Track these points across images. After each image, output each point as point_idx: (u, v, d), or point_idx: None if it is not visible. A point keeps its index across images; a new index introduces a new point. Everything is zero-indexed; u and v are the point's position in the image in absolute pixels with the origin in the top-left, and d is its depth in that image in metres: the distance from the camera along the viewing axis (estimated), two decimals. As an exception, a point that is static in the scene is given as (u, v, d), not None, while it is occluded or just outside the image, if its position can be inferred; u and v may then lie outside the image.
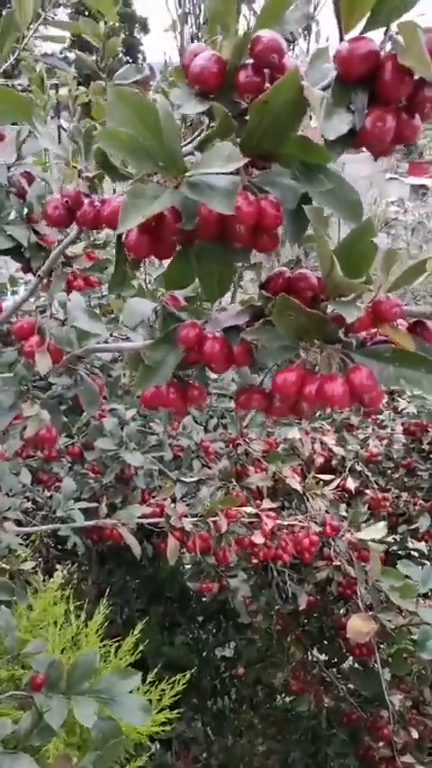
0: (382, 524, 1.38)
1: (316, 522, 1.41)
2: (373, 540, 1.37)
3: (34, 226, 0.82)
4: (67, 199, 0.53)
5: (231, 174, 0.43)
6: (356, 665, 1.71)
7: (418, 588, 1.34)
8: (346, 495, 1.70)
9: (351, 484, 1.67)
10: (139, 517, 1.25)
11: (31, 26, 0.85)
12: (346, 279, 0.48)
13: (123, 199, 0.41)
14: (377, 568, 1.28)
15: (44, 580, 1.50)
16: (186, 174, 0.44)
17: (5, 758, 0.67)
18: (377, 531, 1.38)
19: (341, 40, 0.44)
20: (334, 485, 1.57)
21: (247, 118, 0.45)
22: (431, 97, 0.42)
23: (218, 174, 0.42)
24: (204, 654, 2.07)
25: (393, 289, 0.58)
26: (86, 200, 0.53)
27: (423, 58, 0.38)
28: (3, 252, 0.80)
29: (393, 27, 0.44)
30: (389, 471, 1.90)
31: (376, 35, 0.45)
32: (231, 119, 0.44)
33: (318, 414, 1.88)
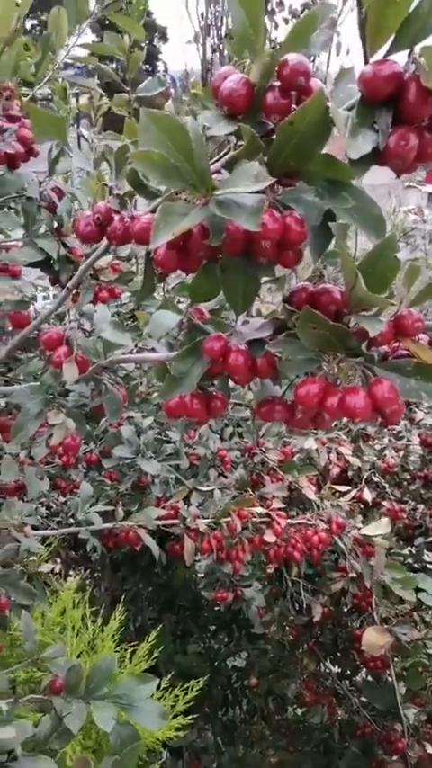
0: (385, 520, 1.41)
1: (323, 520, 1.43)
2: (378, 536, 1.39)
3: (63, 239, 0.84)
4: (98, 215, 0.55)
5: (259, 192, 0.45)
6: (369, 678, 1.70)
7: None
8: (363, 507, 1.70)
9: (367, 495, 1.67)
10: (155, 519, 1.26)
11: (66, 46, 0.87)
12: (369, 293, 0.49)
13: (155, 216, 0.42)
14: (382, 562, 1.30)
15: (61, 584, 1.52)
16: (215, 192, 0.45)
17: (26, 760, 0.68)
18: (381, 526, 1.40)
19: (366, 62, 0.45)
20: (350, 495, 1.57)
21: (274, 138, 0.47)
22: (454, 118, 0.43)
23: (246, 192, 0.43)
24: (216, 663, 2.07)
25: (415, 304, 0.59)
26: (117, 217, 0.55)
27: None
28: (33, 264, 0.82)
29: (417, 49, 0.45)
30: (405, 483, 1.90)
31: (400, 57, 0.46)
32: (259, 139, 0.45)
33: (334, 424, 1.89)
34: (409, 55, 0.45)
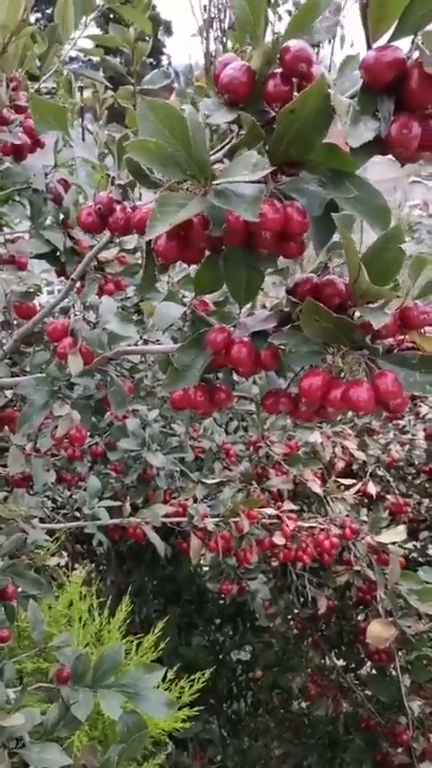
0: (401, 527, 1.38)
1: (336, 525, 1.41)
2: (393, 544, 1.37)
3: (70, 231, 0.84)
4: (99, 205, 0.55)
5: (258, 182, 0.44)
6: (374, 671, 1.70)
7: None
8: (367, 500, 1.69)
9: (372, 489, 1.66)
10: (161, 516, 1.26)
11: (72, 37, 0.87)
12: (373, 285, 0.49)
13: (152, 207, 0.42)
14: (396, 571, 1.27)
15: (68, 576, 1.53)
16: (214, 182, 0.45)
17: (35, 747, 0.69)
18: (397, 534, 1.37)
19: (368, 48, 0.45)
20: (355, 489, 1.57)
21: (275, 126, 0.46)
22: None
23: (244, 182, 0.43)
24: (221, 656, 2.08)
25: (421, 296, 0.59)
26: (118, 207, 0.55)
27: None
28: (39, 256, 0.82)
29: (420, 36, 0.44)
30: (410, 477, 1.89)
31: (403, 44, 0.45)
32: (259, 127, 0.45)
33: (339, 418, 1.88)
34: (413, 41, 0.45)
